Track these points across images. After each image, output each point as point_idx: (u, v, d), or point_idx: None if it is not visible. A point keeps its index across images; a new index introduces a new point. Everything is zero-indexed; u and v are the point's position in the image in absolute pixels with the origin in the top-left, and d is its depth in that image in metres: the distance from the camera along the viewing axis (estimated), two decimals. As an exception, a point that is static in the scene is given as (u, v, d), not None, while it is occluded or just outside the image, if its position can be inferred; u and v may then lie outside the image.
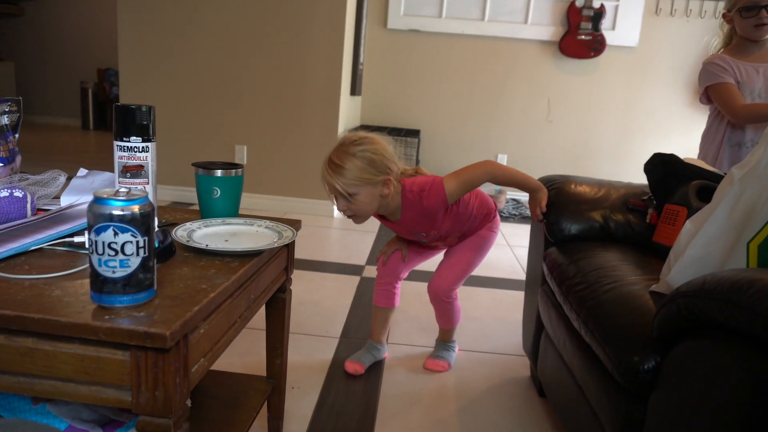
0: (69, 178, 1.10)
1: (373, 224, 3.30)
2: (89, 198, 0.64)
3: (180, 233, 0.91)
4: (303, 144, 3.34)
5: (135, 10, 3.27)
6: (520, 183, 1.44)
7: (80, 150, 5.54)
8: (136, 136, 0.88)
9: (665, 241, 1.29)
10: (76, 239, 0.85)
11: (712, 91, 1.90)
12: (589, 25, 3.94)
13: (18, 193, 0.93)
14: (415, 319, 2.00)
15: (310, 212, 3.41)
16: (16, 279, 0.71)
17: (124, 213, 0.62)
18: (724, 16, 1.93)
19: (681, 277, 0.94)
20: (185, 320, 0.64)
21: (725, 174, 0.99)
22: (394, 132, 3.76)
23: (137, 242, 0.63)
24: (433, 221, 1.43)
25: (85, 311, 0.63)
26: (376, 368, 1.64)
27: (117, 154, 0.89)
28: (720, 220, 0.92)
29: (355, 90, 3.68)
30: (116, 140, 0.89)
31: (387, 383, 1.57)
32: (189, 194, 3.44)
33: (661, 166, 1.38)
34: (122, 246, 0.62)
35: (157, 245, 0.79)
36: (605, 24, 3.97)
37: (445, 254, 1.62)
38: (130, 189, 0.65)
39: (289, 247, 1.09)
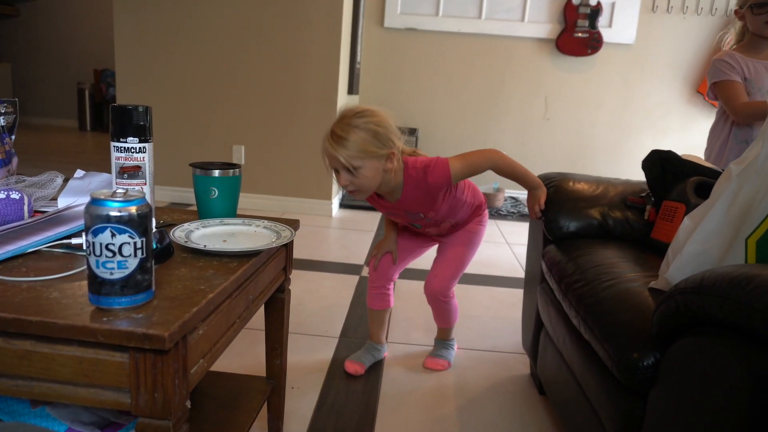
0: (66, 180, 1.10)
1: (372, 224, 3.30)
2: (86, 199, 0.64)
3: (178, 234, 0.91)
4: (301, 143, 3.34)
5: (131, 11, 3.26)
6: (521, 177, 1.44)
7: (77, 151, 5.53)
8: (133, 136, 0.88)
9: (664, 237, 1.29)
10: (74, 241, 0.85)
11: (717, 88, 1.90)
12: (586, 23, 3.94)
13: (15, 195, 0.92)
14: (414, 318, 2.00)
15: (308, 212, 3.40)
16: (13, 281, 0.71)
17: (122, 214, 0.62)
18: (736, 12, 1.93)
19: (679, 274, 0.94)
20: (184, 321, 0.63)
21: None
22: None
23: (135, 243, 0.63)
24: (434, 201, 1.41)
25: (83, 313, 0.63)
26: (375, 368, 1.64)
27: (114, 154, 0.89)
28: (718, 216, 0.92)
29: (352, 89, 3.68)
30: (113, 141, 0.88)
31: (387, 382, 1.57)
32: (187, 195, 3.43)
33: (659, 162, 1.38)
34: (120, 247, 0.62)
35: (155, 246, 0.79)
36: (602, 21, 3.98)
37: (438, 252, 1.61)
38: (127, 190, 0.65)
39: (288, 247, 1.09)
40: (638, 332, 0.91)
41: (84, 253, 0.82)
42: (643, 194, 1.45)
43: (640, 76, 4.13)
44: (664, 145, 3.55)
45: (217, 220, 1.03)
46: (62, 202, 1.04)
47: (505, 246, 3.06)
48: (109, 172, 0.94)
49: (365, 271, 2.45)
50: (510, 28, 4.05)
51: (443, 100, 4.23)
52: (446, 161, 1.34)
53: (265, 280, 0.97)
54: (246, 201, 3.32)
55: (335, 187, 3.50)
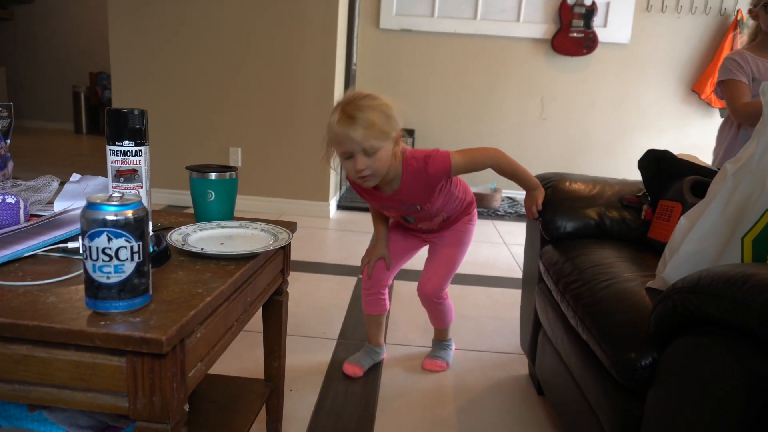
0: (62, 183, 1.10)
1: (370, 225, 3.29)
2: (82, 203, 0.64)
3: (175, 237, 0.91)
4: (297, 145, 3.34)
5: (126, 13, 3.25)
6: (520, 177, 1.44)
7: (73, 154, 5.51)
8: (129, 140, 0.88)
9: (660, 237, 1.29)
10: (70, 245, 0.85)
11: (723, 86, 1.92)
12: (581, 23, 3.96)
13: (11, 199, 0.92)
14: (412, 319, 2.00)
15: (305, 214, 3.40)
16: (10, 286, 0.71)
17: (118, 218, 0.61)
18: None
19: (676, 273, 0.95)
20: (181, 325, 0.63)
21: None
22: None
23: (131, 247, 0.63)
24: (431, 192, 1.40)
25: (80, 317, 0.63)
26: (374, 369, 1.64)
27: (110, 158, 0.89)
28: (714, 216, 0.93)
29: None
30: (109, 144, 0.88)
31: (385, 384, 1.57)
32: (183, 198, 3.43)
33: (655, 162, 1.39)
34: (116, 251, 0.62)
35: (151, 250, 0.79)
36: (597, 21, 3.99)
37: (429, 254, 1.60)
38: (123, 193, 0.64)
39: (285, 249, 1.08)
40: (636, 332, 0.92)
41: (80, 257, 0.82)
42: (640, 194, 1.45)
43: (636, 75, 4.14)
44: (659, 145, 3.56)
45: (214, 223, 1.03)
46: (58, 206, 1.04)
47: (502, 246, 3.06)
48: (106, 175, 0.94)
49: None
50: (505, 29, 4.06)
51: (439, 100, 4.23)
52: (447, 153, 1.35)
53: (262, 283, 0.97)
54: (243, 203, 3.32)
55: (333, 188, 3.50)
